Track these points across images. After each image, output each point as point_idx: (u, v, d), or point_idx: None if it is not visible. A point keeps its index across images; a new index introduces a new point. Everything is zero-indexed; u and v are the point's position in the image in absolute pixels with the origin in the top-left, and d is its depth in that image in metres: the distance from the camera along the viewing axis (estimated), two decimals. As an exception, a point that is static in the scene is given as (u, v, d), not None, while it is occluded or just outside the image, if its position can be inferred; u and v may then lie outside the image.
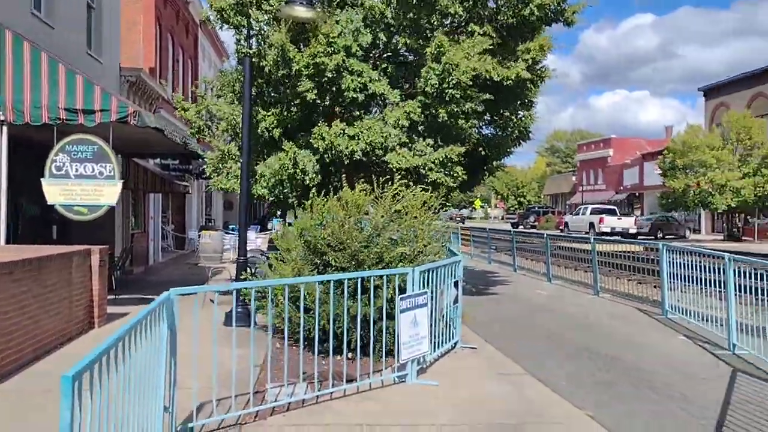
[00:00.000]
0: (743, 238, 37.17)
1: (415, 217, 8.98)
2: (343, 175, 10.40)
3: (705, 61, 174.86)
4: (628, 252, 15.22)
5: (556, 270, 16.26)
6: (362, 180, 9.82)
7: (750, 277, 8.24)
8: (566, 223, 46.86)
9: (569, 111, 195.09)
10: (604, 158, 67.38)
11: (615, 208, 46.93)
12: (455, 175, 10.07)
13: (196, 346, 5.02)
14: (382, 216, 8.38)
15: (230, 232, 20.50)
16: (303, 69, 9.75)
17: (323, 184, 10.31)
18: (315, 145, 10.13)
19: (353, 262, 8.00)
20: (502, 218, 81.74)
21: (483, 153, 11.86)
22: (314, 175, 10.31)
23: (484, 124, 11.81)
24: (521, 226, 65.71)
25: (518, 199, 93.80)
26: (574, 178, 75.54)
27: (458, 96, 9.56)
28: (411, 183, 10.77)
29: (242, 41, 10.00)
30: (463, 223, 76.66)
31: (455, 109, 9.72)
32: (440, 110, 9.74)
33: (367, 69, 10.12)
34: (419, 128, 10.50)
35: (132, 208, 17.70)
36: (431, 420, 5.64)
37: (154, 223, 20.80)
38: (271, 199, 11.09)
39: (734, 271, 8.42)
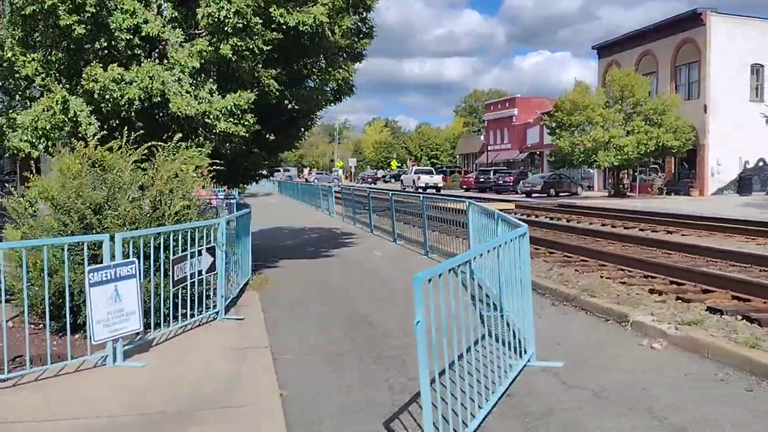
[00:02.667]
0: (629, 194, 38.16)
1: (176, 176, 8.16)
2: (128, 128, 9.21)
3: (624, 22, 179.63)
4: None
5: (402, 229, 15.72)
6: (142, 133, 8.75)
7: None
8: (402, 181, 59.49)
9: (494, 72, 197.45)
10: (510, 117, 67.96)
11: (432, 168, 62.95)
12: (246, 123, 9.11)
13: None
14: (119, 174, 7.46)
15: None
16: (58, 2, 8.48)
17: (107, 139, 9.10)
18: (88, 88, 8.91)
19: (81, 226, 7.07)
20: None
21: (290, 107, 10.92)
22: (89, 126, 9.13)
23: (287, 73, 10.82)
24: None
25: (430, 159, 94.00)
26: (482, 138, 76.15)
27: (240, 26, 8.55)
28: (201, 136, 9.86)
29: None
30: (375, 184, 76.37)
31: (239, 44, 8.71)
32: (223, 46, 8.71)
33: (141, 8, 8.94)
34: (211, 74, 9.45)
35: None
36: (92, 411, 4.84)
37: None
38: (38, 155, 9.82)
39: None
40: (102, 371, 5.84)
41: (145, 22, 8.95)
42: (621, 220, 18.24)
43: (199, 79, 9.07)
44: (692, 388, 5.09)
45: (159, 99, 9.06)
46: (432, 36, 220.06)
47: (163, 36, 9.17)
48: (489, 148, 72.36)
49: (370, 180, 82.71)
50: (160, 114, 9.87)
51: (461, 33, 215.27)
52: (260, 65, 9.79)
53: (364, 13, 13.17)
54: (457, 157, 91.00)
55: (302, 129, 12.47)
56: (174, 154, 8.20)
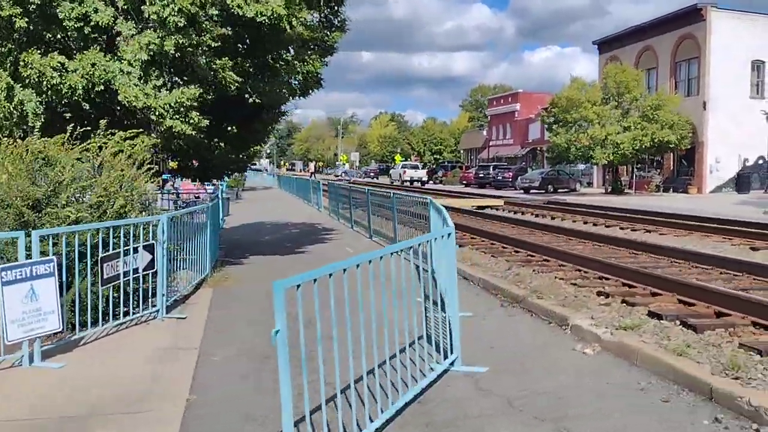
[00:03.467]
0: (626, 191, 37.81)
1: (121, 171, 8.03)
2: (80, 122, 9.08)
3: (634, 16, 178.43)
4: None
5: (378, 225, 15.54)
6: (85, 125, 8.61)
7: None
8: (390, 175, 64.74)
9: (503, 66, 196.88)
10: (512, 113, 67.58)
11: (418, 164, 69.38)
12: (192, 122, 8.96)
13: None
14: (60, 171, 7.31)
15: None
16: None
17: (56, 129, 8.99)
18: (25, 75, 8.81)
19: (18, 223, 6.94)
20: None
21: (251, 100, 10.75)
22: (35, 117, 9.03)
23: (250, 66, 10.65)
24: (431, 182, 65.87)
25: (434, 154, 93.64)
26: (485, 133, 75.80)
27: (182, 24, 8.40)
28: (153, 132, 9.72)
29: None
30: (377, 178, 76.18)
31: (181, 41, 8.56)
32: (167, 42, 8.57)
33: (91, -3, 8.83)
34: (163, 66, 9.32)
35: None
36: (-7, 413, 4.73)
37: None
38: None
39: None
40: (17, 372, 5.72)
41: (95, 11, 8.83)
42: (605, 218, 17.99)
43: (151, 72, 8.93)
44: (609, 398, 4.91)
45: (102, 87, 8.93)
46: (441, 30, 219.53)
47: (115, 27, 9.06)
48: (491, 143, 72.06)
49: (372, 174, 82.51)
50: (114, 107, 9.75)
51: (470, 27, 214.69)
52: (217, 58, 9.65)
53: (335, 6, 13.02)
54: (461, 152, 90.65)
55: (269, 123, 12.31)
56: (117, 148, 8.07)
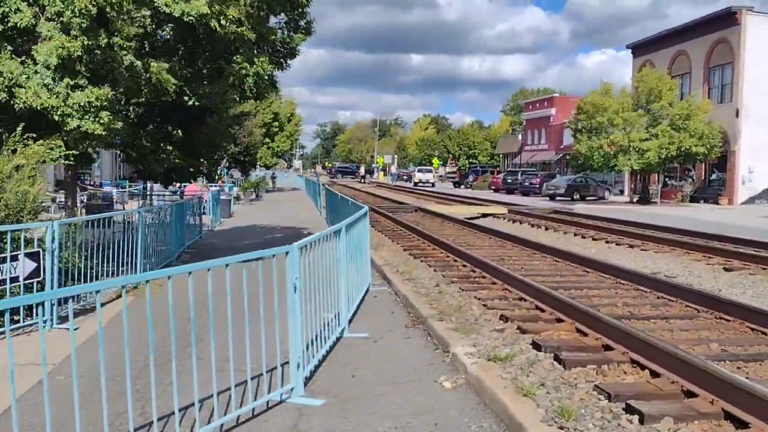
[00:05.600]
0: (653, 200, 36.33)
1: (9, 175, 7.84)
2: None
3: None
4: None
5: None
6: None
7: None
8: (415, 176, 67.80)
9: (556, 69, 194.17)
10: (548, 117, 66.09)
11: (431, 168, 71.26)
12: (102, 122, 8.72)
13: None
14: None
15: None
16: None
17: None
18: None
19: None
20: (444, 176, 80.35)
21: (190, 103, 10.48)
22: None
23: (189, 69, 10.40)
24: (462, 186, 65.06)
25: (469, 159, 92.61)
26: (520, 137, 74.46)
27: (85, 26, 8.18)
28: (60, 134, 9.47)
29: None
30: (409, 182, 75.66)
31: (87, 42, 8.34)
32: (73, 44, 8.36)
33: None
34: (78, 69, 9.11)
35: None
36: None
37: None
38: None
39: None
40: None
41: (17, 11, 8.70)
42: (597, 231, 17.12)
43: (62, 74, 8.73)
44: (423, 443, 4.41)
45: (5, 92, 8.74)
46: (493, 32, 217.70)
47: (35, 28, 8.91)
48: (526, 148, 70.70)
49: (405, 177, 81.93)
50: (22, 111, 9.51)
51: (523, 29, 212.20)
52: (153, 59, 9.44)
53: (299, 8, 12.72)
54: (500, 156, 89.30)
55: (221, 127, 12.05)
56: (14, 150, 7.91)
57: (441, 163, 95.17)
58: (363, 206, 10.52)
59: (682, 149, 32.24)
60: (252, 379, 5.05)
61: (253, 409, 4.90)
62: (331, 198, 21.88)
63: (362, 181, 77.13)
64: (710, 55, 36.88)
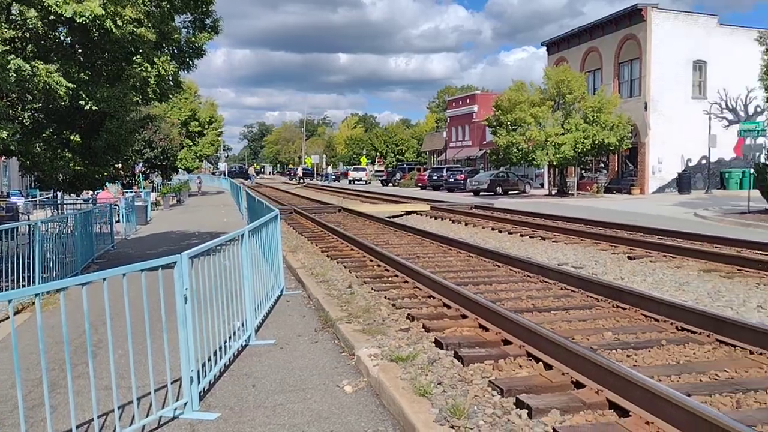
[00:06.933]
0: (571, 192, 37.57)
1: None
2: None
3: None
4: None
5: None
6: None
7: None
8: (347, 175, 73.38)
9: (480, 67, 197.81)
10: (470, 114, 67.31)
11: (365, 167, 75.42)
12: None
13: None
14: None
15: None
16: None
17: None
18: None
19: None
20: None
21: (87, 107, 10.00)
22: None
23: (83, 71, 9.92)
24: (390, 184, 65.42)
25: (397, 157, 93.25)
26: (445, 135, 75.51)
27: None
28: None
29: None
30: (338, 181, 75.53)
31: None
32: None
33: None
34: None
35: None
36: None
37: None
38: None
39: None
40: None
41: None
42: (514, 225, 17.54)
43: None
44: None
45: None
46: (418, 31, 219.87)
47: None
48: (451, 144, 71.79)
49: (333, 177, 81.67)
50: None
51: (447, 28, 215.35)
52: (41, 62, 8.96)
53: (203, 6, 12.40)
54: (426, 153, 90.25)
55: (125, 132, 11.57)
56: None
57: (369, 161, 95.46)
58: (274, 209, 10.34)
59: (596, 142, 33.48)
60: (145, 395, 4.83)
61: (143, 426, 4.70)
62: (251, 201, 21.49)
63: (300, 182, 76.85)
64: (619, 51, 38.44)
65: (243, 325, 7.00)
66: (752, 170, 22.50)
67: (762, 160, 22.45)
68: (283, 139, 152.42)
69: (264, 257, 8.99)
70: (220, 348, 6.03)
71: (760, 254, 11.11)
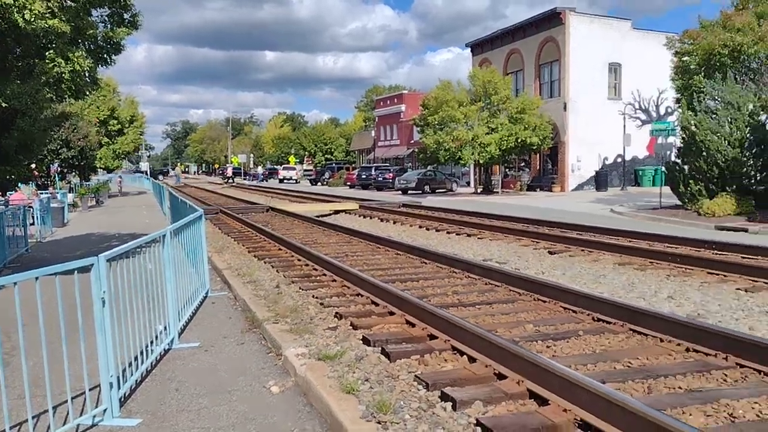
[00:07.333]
0: (495, 190, 38.51)
1: None
2: None
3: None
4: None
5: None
6: None
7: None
8: (279, 173, 75.11)
9: (407, 67, 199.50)
10: (398, 113, 67.82)
11: (295, 166, 77.58)
12: None
13: None
14: None
15: None
16: None
17: None
18: None
19: None
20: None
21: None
22: None
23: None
24: (319, 183, 65.16)
25: (326, 155, 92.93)
26: (373, 134, 75.82)
27: None
28: None
29: None
30: (266, 181, 74.61)
31: None
32: None
33: None
34: None
35: None
36: None
37: None
38: None
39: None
40: None
41: None
42: (441, 222, 17.85)
43: None
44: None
45: None
46: (346, 30, 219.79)
47: None
48: (379, 143, 72.12)
49: (262, 177, 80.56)
50: None
51: (374, 27, 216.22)
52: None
53: (121, 0, 11.98)
54: (355, 152, 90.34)
55: (37, 131, 11.05)
56: None
57: (298, 160, 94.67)
58: (198, 209, 10.11)
59: (519, 141, 34.46)
60: (62, 404, 4.65)
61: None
62: (174, 201, 20.93)
63: (230, 181, 75.45)
64: (540, 53, 39.69)
65: (166, 328, 6.83)
66: (663, 168, 23.72)
67: (672, 158, 23.68)
68: (209, 138, 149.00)
69: (188, 259, 8.79)
70: (142, 352, 5.87)
71: (670, 247, 11.75)
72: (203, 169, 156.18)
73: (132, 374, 5.53)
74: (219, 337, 7.18)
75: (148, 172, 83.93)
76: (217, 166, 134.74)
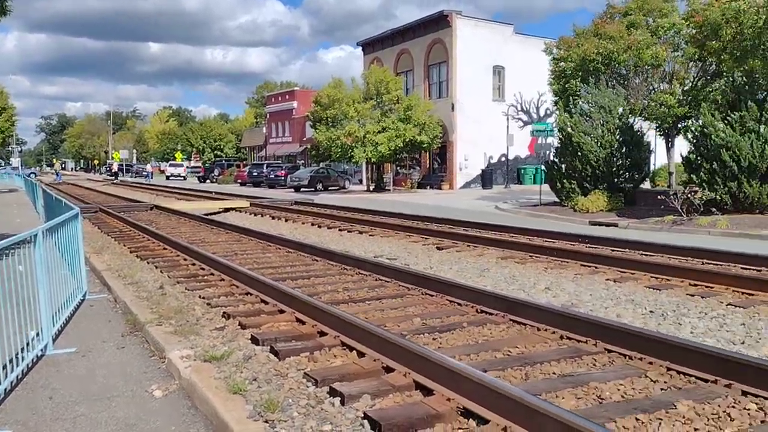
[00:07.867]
0: (387, 188, 39.05)
1: None
2: None
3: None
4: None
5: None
6: None
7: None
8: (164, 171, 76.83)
9: (299, 64, 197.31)
10: (290, 110, 67.16)
11: (182, 163, 77.35)
12: None
13: None
14: None
15: None
16: None
17: None
18: None
19: None
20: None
21: None
22: None
23: None
24: (208, 180, 63.27)
25: (215, 151, 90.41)
26: (264, 130, 74.65)
27: None
28: None
29: None
30: (151, 178, 71.32)
31: None
32: None
33: None
34: None
35: None
36: None
37: None
38: None
39: None
40: None
41: None
42: (333, 219, 17.91)
43: None
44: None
45: None
46: (236, 23, 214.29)
47: None
48: (271, 140, 71.14)
49: (145, 174, 77.03)
50: None
51: (265, 22, 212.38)
52: None
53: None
54: (246, 149, 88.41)
55: None
56: None
57: (185, 157, 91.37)
58: (74, 207, 9.55)
59: (408, 140, 35.14)
60: None
61: None
62: (48, 199, 19.62)
63: (114, 180, 71.65)
64: (429, 54, 40.66)
65: (39, 333, 6.41)
66: (543, 167, 25.04)
67: (551, 157, 25.02)
68: (87, 132, 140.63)
69: (63, 259, 8.29)
70: (11, 360, 5.48)
71: (548, 242, 12.45)
72: (81, 166, 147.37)
73: (0, 383, 5.15)
74: (98, 342, 6.83)
75: (20, 169, 78.12)
76: (96, 162, 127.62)
